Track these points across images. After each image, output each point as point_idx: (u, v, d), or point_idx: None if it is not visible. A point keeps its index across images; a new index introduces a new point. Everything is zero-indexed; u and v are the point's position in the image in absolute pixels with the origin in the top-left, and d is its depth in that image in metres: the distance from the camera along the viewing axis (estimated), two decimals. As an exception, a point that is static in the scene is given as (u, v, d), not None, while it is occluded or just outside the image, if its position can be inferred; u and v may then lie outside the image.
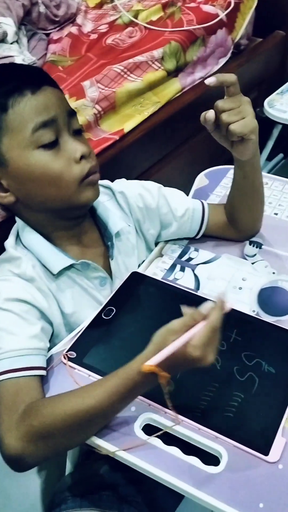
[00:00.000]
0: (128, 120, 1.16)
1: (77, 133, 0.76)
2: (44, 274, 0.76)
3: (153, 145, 1.21)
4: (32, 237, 0.77)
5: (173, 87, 1.27)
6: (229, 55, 1.48)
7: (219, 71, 1.42)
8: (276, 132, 1.63)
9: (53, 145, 0.72)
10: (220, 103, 0.74)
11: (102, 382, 0.64)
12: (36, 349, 0.70)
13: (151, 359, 0.57)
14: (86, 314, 0.79)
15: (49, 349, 0.74)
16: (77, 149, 0.73)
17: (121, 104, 1.17)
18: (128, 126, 1.14)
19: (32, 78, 0.72)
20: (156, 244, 0.95)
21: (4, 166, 0.72)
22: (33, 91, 0.70)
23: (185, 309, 0.62)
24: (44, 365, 0.70)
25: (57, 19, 1.46)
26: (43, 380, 0.70)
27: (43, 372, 0.69)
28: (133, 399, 0.64)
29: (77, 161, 0.73)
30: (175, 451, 0.62)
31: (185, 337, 0.58)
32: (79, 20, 1.49)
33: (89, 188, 0.75)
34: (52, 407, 0.62)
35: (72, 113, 0.75)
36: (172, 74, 1.27)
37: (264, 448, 0.62)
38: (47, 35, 1.46)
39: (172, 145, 1.29)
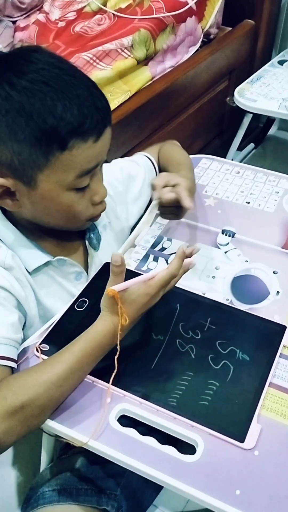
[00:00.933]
0: (98, 109, 1.14)
1: (101, 164, 0.75)
2: (22, 265, 0.75)
3: (123, 135, 1.19)
4: (9, 232, 0.76)
5: (143, 76, 1.26)
6: (199, 43, 1.48)
7: (189, 60, 1.42)
8: (246, 121, 1.64)
9: (83, 189, 0.72)
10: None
11: (68, 348, 0.65)
12: (11, 340, 0.68)
13: (115, 286, 0.64)
14: (58, 305, 0.78)
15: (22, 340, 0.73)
16: (99, 194, 0.74)
17: (91, 93, 1.15)
18: (98, 116, 1.12)
19: (101, 119, 0.68)
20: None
21: (30, 188, 0.69)
22: (96, 138, 0.67)
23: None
24: (15, 357, 0.69)
25: (23, 6, 1.43)
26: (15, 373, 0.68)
27: (14, 365, 0.68)
28: (99, 358, 0.67)
29: (94, 204, 0.75)
30: (151, 441, 0.62)
31: (146, 275, 0.66)
32: (46, 7, 1.46)
33: (89, 222, 0.80)
34: (24, 379, 0.62)
35: (108, 148, 0.74)
36: (142, 62, 1.26)
37: (240, 435, 0.62)
38: (14, 22, 1.43)
39: (144, 134, 1.28)
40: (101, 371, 0.67)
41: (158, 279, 0.66)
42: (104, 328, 0.66)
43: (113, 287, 0.64)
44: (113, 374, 0.65)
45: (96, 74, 1.15)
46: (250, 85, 1.62)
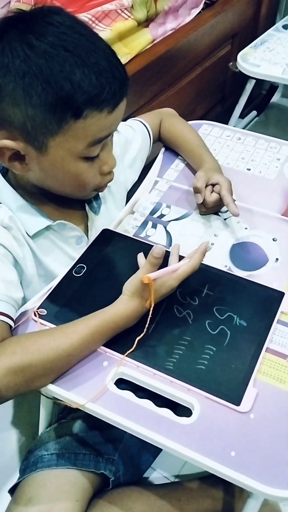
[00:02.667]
0: (97, 72, 1.11)
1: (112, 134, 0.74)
2: (22, 226, 0.75)
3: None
4: (9, 195, 0.75)
5: (144, 38, 1.23)
6: (201, 6, 1.43)
7: (191, 22, 1.38)
8: (249, 87, 1.61)
9: (93, 158, 0.71)
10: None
11: (83, 320, 0.66)
12: (10, 298, 0.68)
13: (151, 274, 0.65)
14: (60, 270, 0.78)
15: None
16: (108, 164, 0.74)
17: (89, 56, 1.12)
18: (97, 79, 1.10)
19: (119, 90, 0.66)
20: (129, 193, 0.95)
21: (41, 153, 0.68)
22: (111, 109, 0.66)
23: (140, 259, 0.74)
24: (13, 316, 0.69)
25: None
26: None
27: (10, 322, 0.68)
28: (109, 337, 0.67)
29: (102, 174, 0.74)
30: (147, 404, 0.62)
31: (172, 267, 0.69)
32: None
33: (95, 192, 0.80)
34: (36, 340, 0.63)
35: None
36: (143, 24, 1.23)
37: (236, 398, 0.62)
38: (10, -19, 1.38)
39: (143, 99, 1.25)
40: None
41: (182, 271, 0.69)
42: (124, 311, 0.66)
43: (149, 275, 0.65)
44: (129, 351, 0.66)
45: (95, 36, 1.12)
46: (253, 49, 1.58)
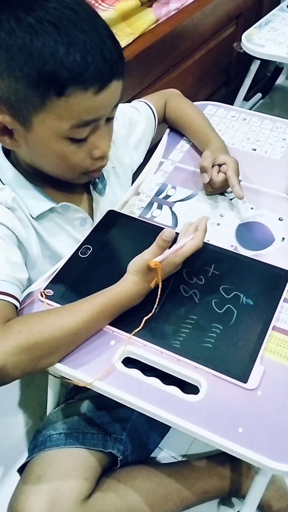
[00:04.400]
0: (101, 53, 1.09)
1: (110, 119, 0.72)
2: (25, 207, 0.75)
3: (127, 80, 1.14)
4: (12, 177, 0.74)
5: (148, 18, 1.21)
6: (205, -15, 1.41)
7: (195, 2, 1.36)
8: (254, 68, 1.59)
9: (80, 141, 0.69)
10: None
11: (89, 299, 0.66)
12: (15, 278, 0.68)
13: (157, 258, 0.65)
14: (65, 251, 0.78)
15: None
16: (99, 148, 0.71)
17: (93, 36, 1.10)
18: (100, 59, 1.09)
19: (107, 70, 0.63)
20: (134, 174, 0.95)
21: (26, 129, 0.67)
22: (98, 90, 0.63)
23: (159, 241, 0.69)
24: (19, 297, 0.69)
25: None
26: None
27: (16, 303, 0.68)
28: (114, 316, 0.68)
29: (93, 158, 0.72)
30: (154, 382, 0.63)
31: (176, 246, 0.68)
32: None
33: (86, 177, 0.76)
34: (42, 319, 0.63)
35: (118, 103, 0.70)
36: (146, 4, 1.21)
37: (243, 376, 0.62)
38: None
39: (147, 80, 1.24)
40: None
41: (187, 249, 0.68)
42: (128, 290, 0.66)
43: (156, 259, 0.65)
44: (136, 330, 0.66)
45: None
46: (258, 30, 1.55)
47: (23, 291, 0.72)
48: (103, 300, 0.65)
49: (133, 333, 0.66)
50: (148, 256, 0.66)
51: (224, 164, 0.86)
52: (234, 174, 0.84)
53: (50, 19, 0.60)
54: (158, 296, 0.67)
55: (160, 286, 0.66)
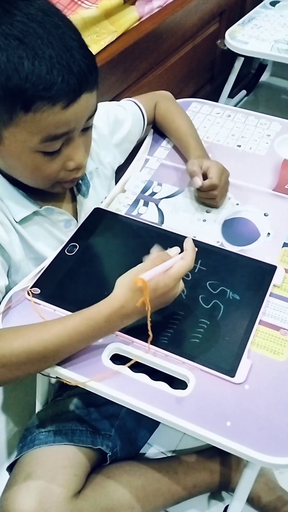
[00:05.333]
0: (84, 51, 1.09)
1: (87, 129, 0.70)
2: (8, 211, 0.74)
3: (110, 78, 1.16)
4: None
5: (130, 16, 1.21)
6: (188, -18, 1.41)
7: (178, 0, 1.36)
8: (238, 66, 1.59)
9: (53, 153, 0.67)
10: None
11: (63, 319, 0.63)
12: None
13: (144, 274, 0.60)
14: (49, 254, 0.78)
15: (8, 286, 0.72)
16: (73, 160, 0.69)
17: (76, 34, 1.10)
18: (84, 57, 1.08)
19: (75, 85, 0.61)
20: (117, 173, 0.94)
21: None
22: (66, 104, 0.62)
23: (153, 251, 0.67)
24: None
25: None
26: (7, 318, 0.69)
27: None
28: (93, 341, 0.64)
29: (67, 169, 0.70)
30: (143, 378, 0.63)
31: (166, 264, 0.62)
32: None
33: (60, 187, 0.75)
34: (10, 340, 0.61)
35: (93, 114, 0.69)
36: (129, 1, 1.21)
37: (231, 370, 0.63)
38: None
39: (131, 78, 1.24)
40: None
41: (178, 269, 0.63)
42: (108, 310, 0.62)
43: (142, 275, 0.60)
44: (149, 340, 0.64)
45: (82, 13, 1.10)
46: (241, 27, 1.56)
47: (3, 297, 0.71)
48: (78, 321, 0.61)
49: (120, 329, 0.66)
50: (137, 272, 0.62)
51: (208, 168, 0.85)
52: (216, 176, 0.84)
53: (15, 33, 0.58)
54: (149, 319, 0.61)
55: (148, 307, 0.60)
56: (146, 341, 0.64)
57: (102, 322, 0.62)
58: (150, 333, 0.63)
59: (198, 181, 0.83)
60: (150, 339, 0.63)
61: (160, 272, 0.62)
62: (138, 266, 0.63)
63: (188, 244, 0.67)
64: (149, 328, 0.62)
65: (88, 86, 0.64)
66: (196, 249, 0.67)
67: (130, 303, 0.61)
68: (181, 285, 0.65)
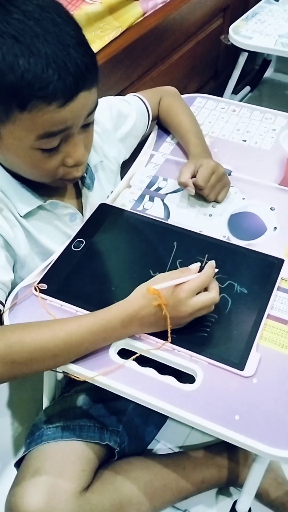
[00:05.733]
0: (88, 46, 1.09)
1: (87, 125, 0.70)
2: (13, 206, 0.74)
3: (115, 73, 1.15)
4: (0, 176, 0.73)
5: (134, 12, 1.20)
6: (192, -23, 1.40)
7: (182, -5, 1.35)
8: (241, 61, 1.59)
9: (51, 150, 0.67)
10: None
11: (77, 318, 0.63)
12: None
13: (156, 285, 0.61)
14: (56, 248, 0.78)
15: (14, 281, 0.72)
16: (73, 158, 0.69)
17: (80, 29, 1.10)
18: (88, 53, 1.08)
19: (71, 84, 0.60)
20: (122, 168, 0.94)
21: None
22: (63, 103, 0.61)
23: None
24: (3, 300, 0.68)
25: None
26: (13, 313, 0.68)
27: (0, 307, 0.67)
28: (104, 343, 0.64)
29: (67, 166, 0.70)
30: (150, 372, 0.63)
31: (182, 279, 0.63)
32: None
33: (61, 183, 0.74)
34: (21, 335, 0.61)
35: (93, 110, 0.68)
36: (133, -3, 1.21)
37: (240, 364, 0.63)
38: None
39: (136, 74, 1.24)
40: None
41: (193, 284, 0.63)
42: (125, 311, 0.62)
43: (156, 286, 0.61)
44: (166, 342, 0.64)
45: (86, 9, 1.10)
46: (245, 22, 1.56)
47: (9, 292, 0.71)
48: (92, 321, 0.62)
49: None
50: (153, 282, 0.63)
51: (201, 166, 0.84)
52: (201, 178, 0.83)
53: (11, 32, 0.58)
54: (168, 322, 0.62)
55: (167, 314, 0.61)
56: (154, 336, 0.64)
57: (116, 325, 0.62)
58: (169, 337, 0.63)
59: (191, 190, 0.83)
60: (168, 341, 0.64)
61: (171, 285, 0.62)
62: (156, 276, 0.65)
63: (208, 264, 0.67)
64: (169, 334, 0.63)
65: (85, 84, 0.63)
66: (217, 270, 0.67)
67: (145, 309, 0.62)
68: (196, 305, 0.63)
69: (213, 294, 0.65)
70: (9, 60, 0.58)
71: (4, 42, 0.58)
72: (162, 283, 0.62)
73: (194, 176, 0.84)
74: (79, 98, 0.63)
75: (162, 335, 0.64)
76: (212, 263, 0.67)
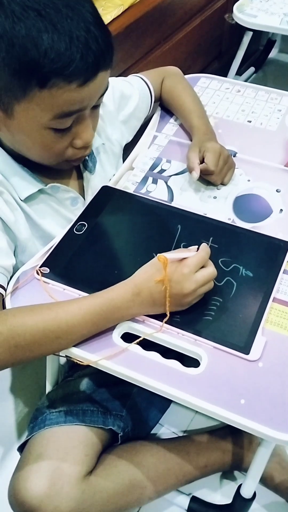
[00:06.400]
0: (90, 25, 1.06)
1: (96, 107, 0.69)
2: (14, 190, 0.72)
3: (117, 53, 1.11)
4: (0, 159, 0.72)
5: (137, -11, 1.18)
6: None
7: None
8: (246, 41, 1.56)
9: (63, 130, 0.66)
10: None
11: (79, 299, 0.63)
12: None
13: (166, 254, 0.62)
14: (57, 231, 0.76)
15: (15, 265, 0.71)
16: (82, 139, 0.68)
17: (81, 8, 1.07)
18: (90, 32, 1.06)
19: (92, 63, 0.59)
20: (124, 150, 0.92)
21: (7, 116, 0.64)
22: (82, 82, 0.60)
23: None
24: (4, 284, 0.67)
25: None
26: (15, 297, 0.67)
27: (2, 292, 0.66)
28: (107, 324, 0.63)
29: (75, 147, 0.69)
30: (155, 356, 0.62)
31: (185, 254, 0.64)
32: None
33: (67, 164, 0.74)
34: (23, 318, 0.60)
35: (105, 91, 0.67)
36: (135, -26, 1.18)
37: (245, 347, 0.62)
38: None
39: (138, 53, 1.21)
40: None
41: (191, 259, 0.63)
42: (124, 292, 0.62)
43: (166, 254, 0.62)
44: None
45: (86, -14, 1.07)
46: (249, 0, 1.52)
47: (10, 277, 0.70)
48: (93, 302, 0.61)
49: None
50: (155, 261, 0.63)
51: (205, 151, 0.83)
52: (211, 162, 0.81)
53: (34, 6, 0.56)
54: (167, 298, 0.61)
55: (167, 288, 0.61)
56: (158, 320, 0.63)
57: (119, 303, 0.62)
58: (167, 312, 0.62)
59: (195, 175, 0.81)
60: (166, 319, 0.63)
61: (175, 260, 0.63)
62: (155, 257, 0.64)
63: (202, 244, 0.67)
64: (167, 308, 0.62)
65: (105, 64, 0.62)
66: (209, 251, 0.67)
67: (145, 284, 0.62)
68: (200, 280, 0.63)
69: (212, 268, 0.64)
70: (32, 35, 0.56)
71: (28, 16, 0.56)
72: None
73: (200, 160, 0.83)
74: (98, 78, 0.62)
75: (164, 318, 0.63)
76: (205, 245, 0.67)
